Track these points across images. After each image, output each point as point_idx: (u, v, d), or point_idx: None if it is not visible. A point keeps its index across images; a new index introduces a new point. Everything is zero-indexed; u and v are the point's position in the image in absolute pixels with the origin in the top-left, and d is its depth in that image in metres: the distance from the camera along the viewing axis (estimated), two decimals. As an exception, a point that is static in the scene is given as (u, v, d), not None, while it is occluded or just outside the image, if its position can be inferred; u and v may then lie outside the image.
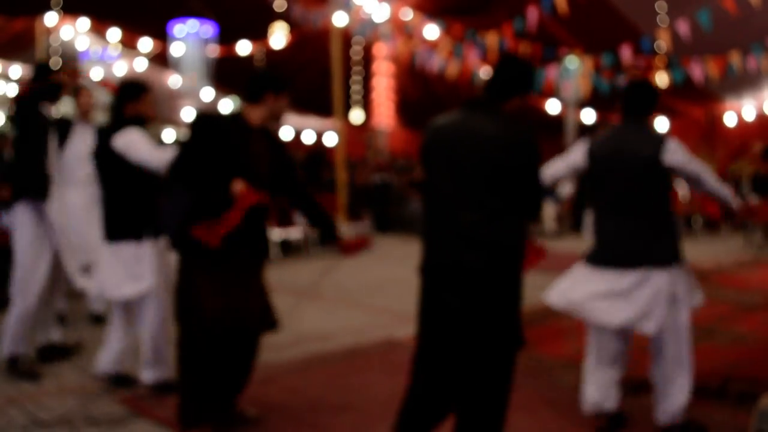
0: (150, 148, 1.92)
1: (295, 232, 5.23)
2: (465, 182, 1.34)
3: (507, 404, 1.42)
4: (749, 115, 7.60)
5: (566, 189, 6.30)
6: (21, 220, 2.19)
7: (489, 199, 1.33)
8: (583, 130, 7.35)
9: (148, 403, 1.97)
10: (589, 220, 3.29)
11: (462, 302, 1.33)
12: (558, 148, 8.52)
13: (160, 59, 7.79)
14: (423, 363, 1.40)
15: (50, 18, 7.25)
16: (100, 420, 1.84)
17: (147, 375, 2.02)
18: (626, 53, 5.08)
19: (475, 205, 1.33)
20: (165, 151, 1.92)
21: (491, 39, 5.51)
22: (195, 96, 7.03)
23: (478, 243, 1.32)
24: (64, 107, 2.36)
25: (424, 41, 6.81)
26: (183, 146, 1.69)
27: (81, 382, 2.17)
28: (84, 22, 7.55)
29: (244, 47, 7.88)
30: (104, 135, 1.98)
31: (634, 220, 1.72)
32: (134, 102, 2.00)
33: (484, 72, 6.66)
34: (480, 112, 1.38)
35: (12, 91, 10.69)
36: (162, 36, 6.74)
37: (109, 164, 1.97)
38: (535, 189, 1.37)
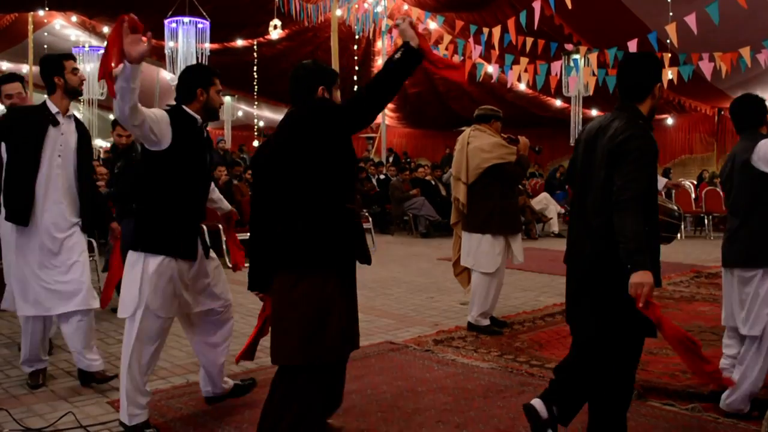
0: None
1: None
2: None
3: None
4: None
5: None
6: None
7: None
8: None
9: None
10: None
11: None
12: (563, 143, 8.47)
13: (154, 55, 7.75)
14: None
15: (41, 13, 7.20)
16: (91, 426, 1.80)
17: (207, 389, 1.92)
18: (633, 48, 4.98)
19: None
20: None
21: (495, 33, 5.42)
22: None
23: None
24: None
25: (426, 37, 6.75)
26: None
27: (72, 387, 2.13)
28: (75, 18, 7.51)
29: (239, 43, 7.83)
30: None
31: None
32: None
33: (489, 69, 6.58)
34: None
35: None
36: (155, 31, 6.68)
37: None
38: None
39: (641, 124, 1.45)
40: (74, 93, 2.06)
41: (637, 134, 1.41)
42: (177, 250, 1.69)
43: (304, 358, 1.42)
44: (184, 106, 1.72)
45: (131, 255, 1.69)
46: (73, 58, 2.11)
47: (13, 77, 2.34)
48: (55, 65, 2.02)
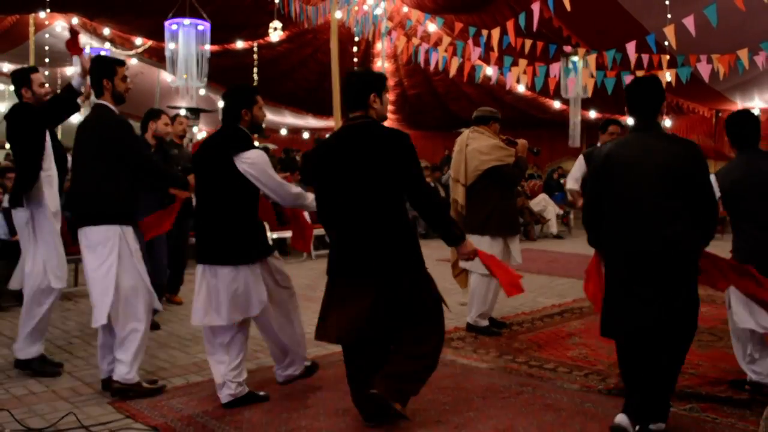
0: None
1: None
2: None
3: None
4: (757, 113, 7.53)
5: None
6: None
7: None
8: (589, 128, 7.30)
9: (141, 409, 1.95)
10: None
11: None
12: (562, 145, 8.48)
13: (155, 56, 7.77)
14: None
15: (42, 15, 7.21)
16: (91, 425, 1.81)
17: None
18: (631, 50, 5.01)
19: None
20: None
21: (494, 35, 5.45)
22: (190, 93, 7.00)
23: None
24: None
25: (425, 38, 6.77)
26: None
27: (73, 387, 2.14)
28: (76, 20, 7.52)
29: (239, 45, 7.85)
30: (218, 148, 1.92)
31: None
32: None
33: (487, 70, 6.61)
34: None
35: (2, 87, 10.73)
36: (155, 34, 6.72)
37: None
38: None
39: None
40: (120, 99, 2.11)
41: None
42: (269, 249, 1.95)
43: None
44: (241, 127, 1.92)
45: (228, 271, 1.86)
46: (125, 65, 2.17)
47: (36, 68, 2.41)
48: (108, 69, 2.09)
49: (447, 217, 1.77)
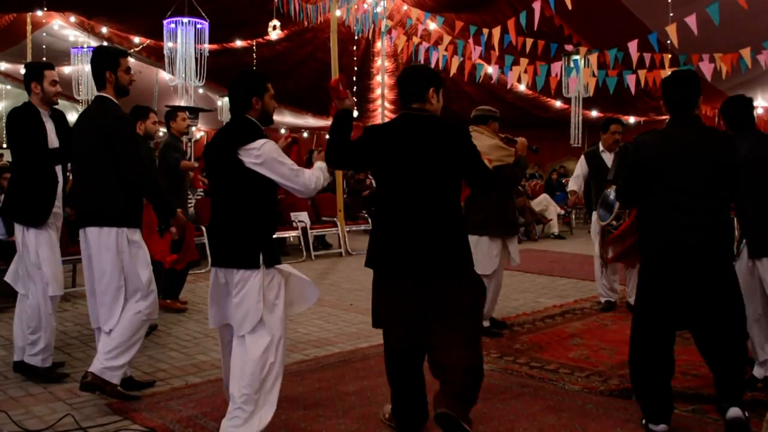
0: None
1: (293, 234, 5.19)
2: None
3: None
4: (760, 111, 7.49)
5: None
6: None
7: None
8: (590, 127, 7.27)
9: (138, 410, 1.93)
10: (596, 222, 3.24)
11: None
12: (563, 144, 8.44)
13: (153, 55, 7.74)
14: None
15: (39, 13, 7.19)
16: (89, 427, 1.80)
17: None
18: (633, 49, 4.98)
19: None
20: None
21: (495, 34, 5.42)
22: (188, 93, 6.97)
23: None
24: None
25: (426, 37, 6.74)
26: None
27: (71, 388, 2.13)
28: (73, 18, 7.50)
29: (238, 44, 7.83)
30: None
31: None
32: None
33: (489, 70, 6.58)
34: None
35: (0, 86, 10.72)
36: (153, 32, 6.70)
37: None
38: None
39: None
40: (123, 92, 2.00)
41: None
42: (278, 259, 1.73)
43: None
44: (249, 117, 1.73)
45: (252, 276, 1.65)
46: (128, 56, 2.06)
47: (52, 66, 2.32)
48: (111, 60, 1.96)
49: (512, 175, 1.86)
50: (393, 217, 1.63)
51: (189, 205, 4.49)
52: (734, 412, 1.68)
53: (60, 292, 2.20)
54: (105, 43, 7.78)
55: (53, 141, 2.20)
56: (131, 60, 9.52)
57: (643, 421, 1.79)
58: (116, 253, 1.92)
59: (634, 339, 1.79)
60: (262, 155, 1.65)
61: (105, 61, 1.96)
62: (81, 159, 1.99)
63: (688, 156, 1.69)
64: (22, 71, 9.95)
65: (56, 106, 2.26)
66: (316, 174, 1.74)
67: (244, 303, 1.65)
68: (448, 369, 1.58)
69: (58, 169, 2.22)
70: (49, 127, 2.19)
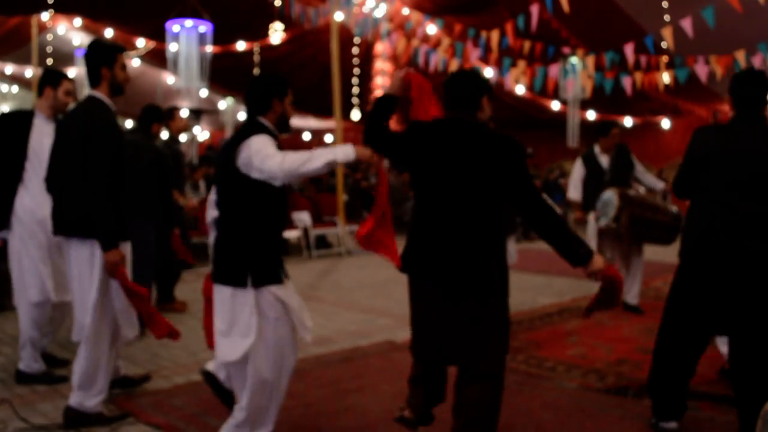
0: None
1: (293, 233, 5.21)
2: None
3: None
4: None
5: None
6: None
7: None
8: (587, 129, 7.33)
9: (143, 407, 1.95)
10: (593, 223, 3.28)
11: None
12: (559, 147, 8.49)
13: (157, 58, 7.77)
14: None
15: (44, 16, 7.20)
16: (93, 424, 1.82)
17: None
18: (630, 52, 5.03)
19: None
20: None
21: (493, 37, 5.47)
22: (191, 95, 7.00)
23: None
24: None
25: (425, 40, 6.79)
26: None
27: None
28: (78, 21, 7.53)
29: (240, 46, 7.86)
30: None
31: None
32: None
33: (486, 72, 6.62)
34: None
35: (6, 88, 10.72)
36: (157, 35, 6.74)
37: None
38: None
39: None
40: (118, 90, 1.84)
41: None
42: (273, 277, 1.53)
43: None
44: (261, 119, 1.56)
45: (235, 294, 1.48)
46: (125, 52, 1.91)
47: (71, 79, 2.24)
48: (108, 55, 1.80)
49: (570, 234, 1.45)
50: (428, 223, 1.48)
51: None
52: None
53: (37, 299, 2.12)
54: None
55: (44, 146, 2.07)
56: (135, 62, 9.48)
57: (653, 420, 1.76)
58: (92, 267, 1.75)
59: (660, 337, 1.74)
60: (251, 147, 1.46)
61: (101, 56, 1.80)
62: (60, 162, 1.82)
63: (741, 154, 1.63)
64: (29, 74, 9.90)
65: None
66: (297, 157, 1.45)
67: (231, 326, 1.51)
68: (459, 408, 1.45)
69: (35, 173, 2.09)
70: (47, 130, 2.13)
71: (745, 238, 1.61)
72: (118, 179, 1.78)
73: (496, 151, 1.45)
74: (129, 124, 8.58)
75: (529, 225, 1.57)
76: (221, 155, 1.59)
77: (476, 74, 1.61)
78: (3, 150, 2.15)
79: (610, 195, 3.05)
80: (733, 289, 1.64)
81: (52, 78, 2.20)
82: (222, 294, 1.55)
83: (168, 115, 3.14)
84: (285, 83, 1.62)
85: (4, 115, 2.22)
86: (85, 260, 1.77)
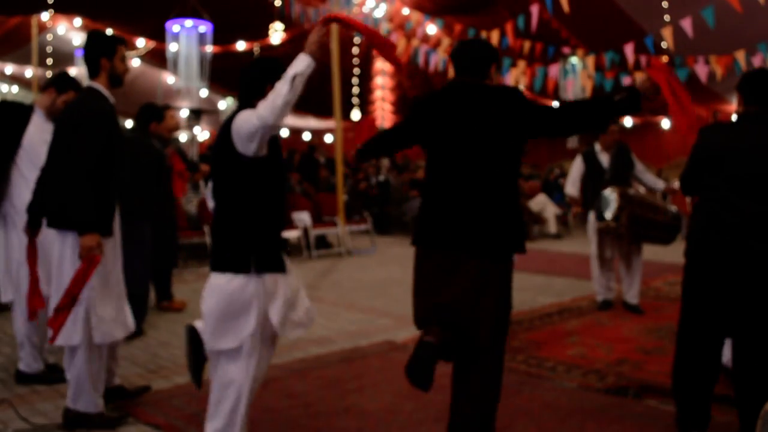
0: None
1: (293, 233, 5.22)
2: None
3: None
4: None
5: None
6: None
7: None
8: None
9: (144, 408, 1.96)
10: (593, 221, 3.28)
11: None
12: (559, 146, 8.48)
13: (157, 58, 7.78)
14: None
15: (44, 16, 7.20)
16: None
17: None
18: (629, 52, 5.03)
19: None
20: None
21: (493, 37, 5.48)
22: (191, 95, 7.01)
23: None
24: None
25: (425, 40, 6.80)
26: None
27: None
28: (78, 21, 7.53)
29: (240, 46, 7.87)
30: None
31: None
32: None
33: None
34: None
35: (6, 89, 10.71)
36: (157, 35, 6.76)
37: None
38: None
39: None
40: (117, 81, 1.82)
41: None
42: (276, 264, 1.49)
43: None
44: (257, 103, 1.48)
45: (232, 279, 1.42)
46: (125, 43, 1.89)
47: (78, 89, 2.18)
48: (108, 46, 1.78)
49: (600, 100, 1.44)
50: (443, 190, 1.45)
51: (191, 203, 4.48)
52: None
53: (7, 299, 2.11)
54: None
55: (39, 142, 2.05)
56: (135, 62, 9.51)
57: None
58: (74, 264, 1.68)
59: (679, 339, 1.74)
60: (237, 120, 1.43)
61: (101, 47, 1.78)
62: (54, 154, 1.78)
63: (747, 152, 1.61)
64: (29, 74, 9.91)
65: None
66: (266, 100, 1.42)
67: (228, 315, 1.44)
68: (459, 395, 1.43)
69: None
70: (46, 127, 2.09)
71: (749, 238, 1.60)
72: (107, 170, 1.72)
73: (501, 104, 1.44)
74: (129, 124, 8.59)
75: (564, 125, 1.47)
76: (217, 140, 1.55)
77: (484, 43, 1.60)
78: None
79: (610, 194, 3.05)
80: (736, 289, 1.63)
81: (62, 83, 2.19)
82: (220, 281, 1.47)
83: (157, 115, 3.00)
84: (280, 66, 1.57)
85: (3, 103, 2.17)
86: (67, 256, 1.71)
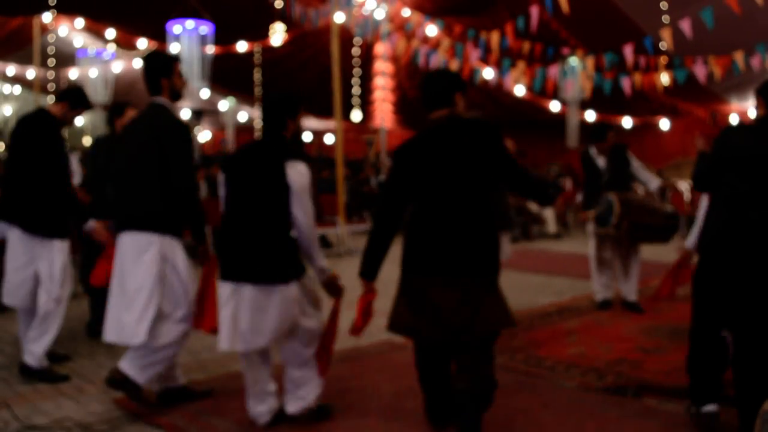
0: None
1: (293, 233, 5.20)
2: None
3: None
4: (753, 115, 7.53)
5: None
6: None
7: None
8: (587, 129, 7.38)
9: (144, 407, 1.96)
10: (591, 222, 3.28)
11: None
12: (558, 145, 8.50)
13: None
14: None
15: (46, 17, 7.22)
16: (95, 423, 1.83)
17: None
18: (629, 52, 5.05)
19: None
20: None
21: (493, 38, 5.49)
22: (192, 95, 7.01)
23: None
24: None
25: (425, 41, 6.81)
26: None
27: (77, 385, 2.16)
28: (80, 22, 7.54)
29: (241, 47, 7.88)
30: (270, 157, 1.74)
31: None
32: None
33: (486, 72, 6.64)
34: None
35: (8, 89, 10.74)
36: (159, 35, 6.77)
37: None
38: None
39: None
40: (177, 96, 1.97)
41: None
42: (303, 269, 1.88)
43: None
44: (284, 134, 1.80)
45: (286, 289, 1.75)
46: (180, 61, 2.04)
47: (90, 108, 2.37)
48: (166, 66, 1.93)
49: (545, 186, 1.80)
50: (432, 224, 1.62)
51: None
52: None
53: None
54: (112, 46, 7.78)
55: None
56: (137, 63, 9.49)
57: (692, 409, 1.81)
58: (155, 261, 1.81)
59: (691, 331, 1.83)
60: (304, 176, 1.74)
61: (160, 68, 1.93)
62: (127, 164, 1.89)
63: (760, 153, 1.69)
64: (31, 75, 9.90)
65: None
66: (315, 236, 1.82)
67: (277, 317, 1.72)
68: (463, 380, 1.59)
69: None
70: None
71: (764, 238, 1.66)
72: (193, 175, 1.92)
73: (480, 140, 1.64)
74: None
75: (519, 191, 1.80)
76: (258, 162, 1.77)
77: (447, 73, 1.77)
78: (46, 152, 2.17)
79: (611, 201, 3.04)
80: (743, 286, 1.69)
81: (76, 100, 2.28)
82: (293, 292, 1.77)
83: (116, 112, 2.74)
84: (298, 104, 1.84)
85: (31, 118, 2.23)
86: (141, 251, 1.83)
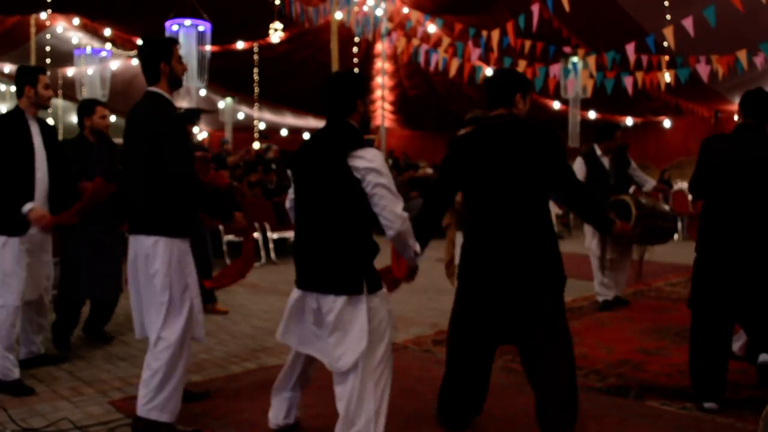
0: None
1: (293, 233, 5.20)
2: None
3: None
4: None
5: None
6: None
7: None
8: (588, 128, 7.35)
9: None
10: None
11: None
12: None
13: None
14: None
15: (42, 15, 7.20)
16: (92, 426, 1.82)
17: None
18: (631, 51, 5.02)
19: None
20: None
21: (494, 37, 5.47)
22: (191, 94, 6.98)
23: None
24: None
25: (425, 39, 6.79)
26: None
27: (74, 387, 2.14)
28: (77, 20, 7.53)
29: (240, 45, 7.85)
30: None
31: None
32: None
33: (488, 71, 6.61)
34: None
35: (4, 87, 10.67)
36: (157, 34, 6.71)
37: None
38: None
39: None
40: (176, 83, 1.81)
41: None
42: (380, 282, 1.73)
43: None
44: (350, 120, 1.58)
45: (355, 303, 1.52)
46: (179, 44, 1.86)
47: (44, 70, 2.25)
48: (165, 50, 1.75)
49: (599, 207, 1.82)
50: (487, 229, 1.60)
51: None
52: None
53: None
54: (109, 45, 7.75)
55: (38, 144, 2.15)
56: (134, 62, 9.47)
57: (695, 405, 1.91)
58: (167, 264, 1.70)
59: (692, 326, 1.97)
60: (374, 161, 1.50)
61: (159, 52, 1.75)
62: (129, 162, 1.78)
63: (743, 162, 1.88)
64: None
65: (49, 110, 2.25)
66: (407, 217, 1.55)
67: (344, 334, 1.51)
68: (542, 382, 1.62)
69: (42, 173, 2.12)
70: (35, 130, 2.16)
71: (749, 238, 1.86)
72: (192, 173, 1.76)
73: (534, 145, 1.62)
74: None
75: (565, 201, 1.77)
76: (320, 158, 1.55)
77: (510, 73, 1.74)
78: (8, 152, 2.12)
79: (625, 203, 3.01)
80: (741, 282, 1.87)
81: (29, 75, 2.19)
82: (375, 303, 1.56)
83: (85, 111, 2.55)
84: (365, 82, 1.74)
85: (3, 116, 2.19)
86: (169, 262, 1.71)
